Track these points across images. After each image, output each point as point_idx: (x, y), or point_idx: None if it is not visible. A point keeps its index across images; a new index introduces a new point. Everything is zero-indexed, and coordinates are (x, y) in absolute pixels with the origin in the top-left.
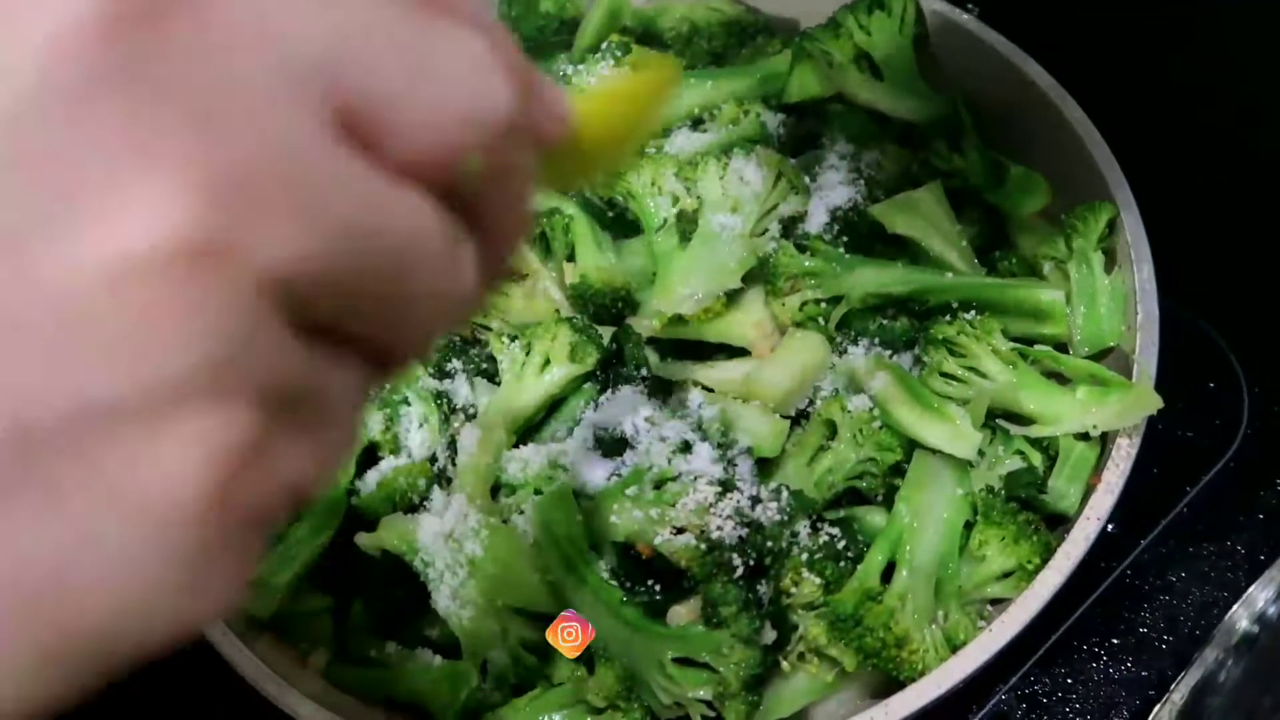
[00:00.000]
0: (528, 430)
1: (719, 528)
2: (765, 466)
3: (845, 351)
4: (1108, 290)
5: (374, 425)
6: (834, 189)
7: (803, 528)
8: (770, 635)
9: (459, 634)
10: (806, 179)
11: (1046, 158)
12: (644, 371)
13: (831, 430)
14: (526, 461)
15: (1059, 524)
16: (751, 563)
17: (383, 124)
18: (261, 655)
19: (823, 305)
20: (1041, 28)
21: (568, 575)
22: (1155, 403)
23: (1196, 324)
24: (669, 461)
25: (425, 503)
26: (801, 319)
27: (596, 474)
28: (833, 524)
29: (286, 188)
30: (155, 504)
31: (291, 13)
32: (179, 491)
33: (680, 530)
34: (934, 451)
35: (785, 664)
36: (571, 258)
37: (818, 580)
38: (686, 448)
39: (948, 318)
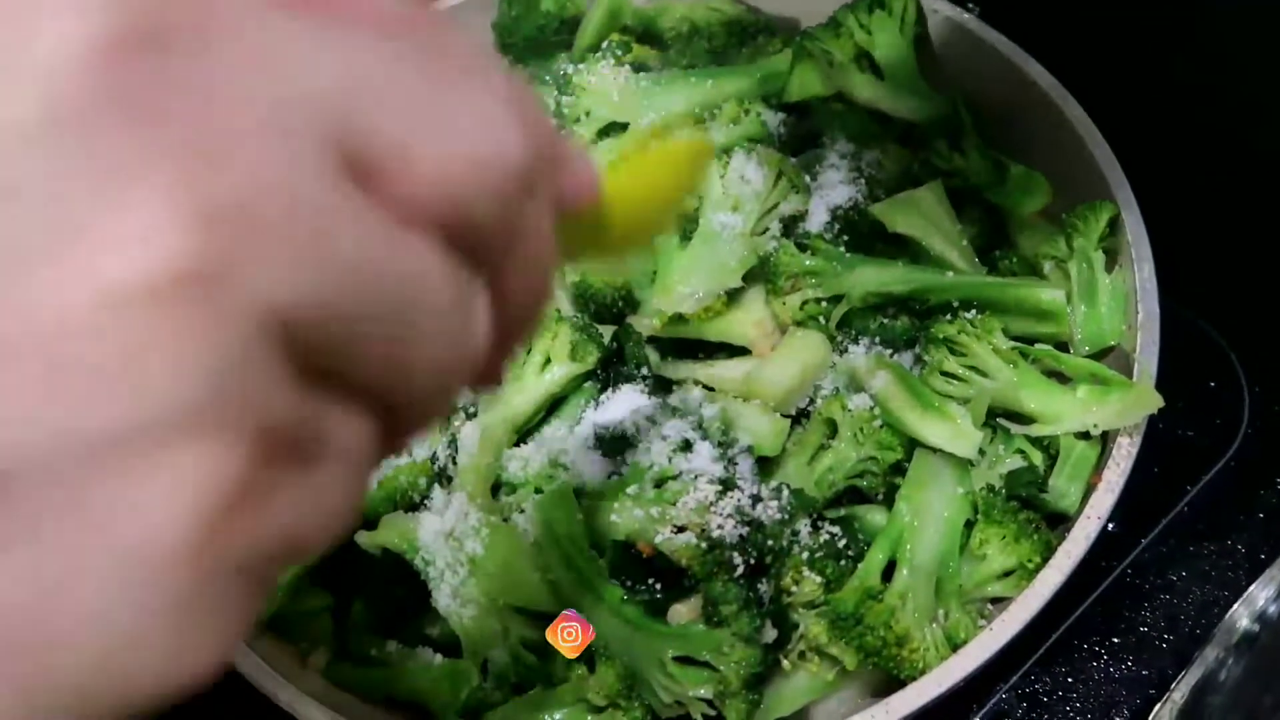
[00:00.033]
0: (528, 429)
1: (719, 526)
2: (766, 465)
3: (846, 350)
4: (1108, 289)
5: None
6: (835, 188)
7: (803, 526)
8: (771, 634)
9: (459, 632)
10: (807, 178)
11: (1047, 157)
12: (644, 370)
13: (832, 429)
14: (527, 460)
15: (1059, 523)
16: (752, 561)
17: (389, 168)
18: (262, 654)
19: (823, 304)
20: (1042, 27)
21: (568, 574)
22: (1156, 402)
23: (1197, 323)
24: (669, 460)
25: (426, 501)
26: (802, 318)
27: (597, 472)
28: (833, 523)
29: (286, 221)
30: (139, 547)
31: (301, 48)
32: (165, 534)
33: (681, 529)
34: (935, 450)
35: (786, 663)
36: None
37: (818, 579)
38: (687, 446)
39: (948, 317)
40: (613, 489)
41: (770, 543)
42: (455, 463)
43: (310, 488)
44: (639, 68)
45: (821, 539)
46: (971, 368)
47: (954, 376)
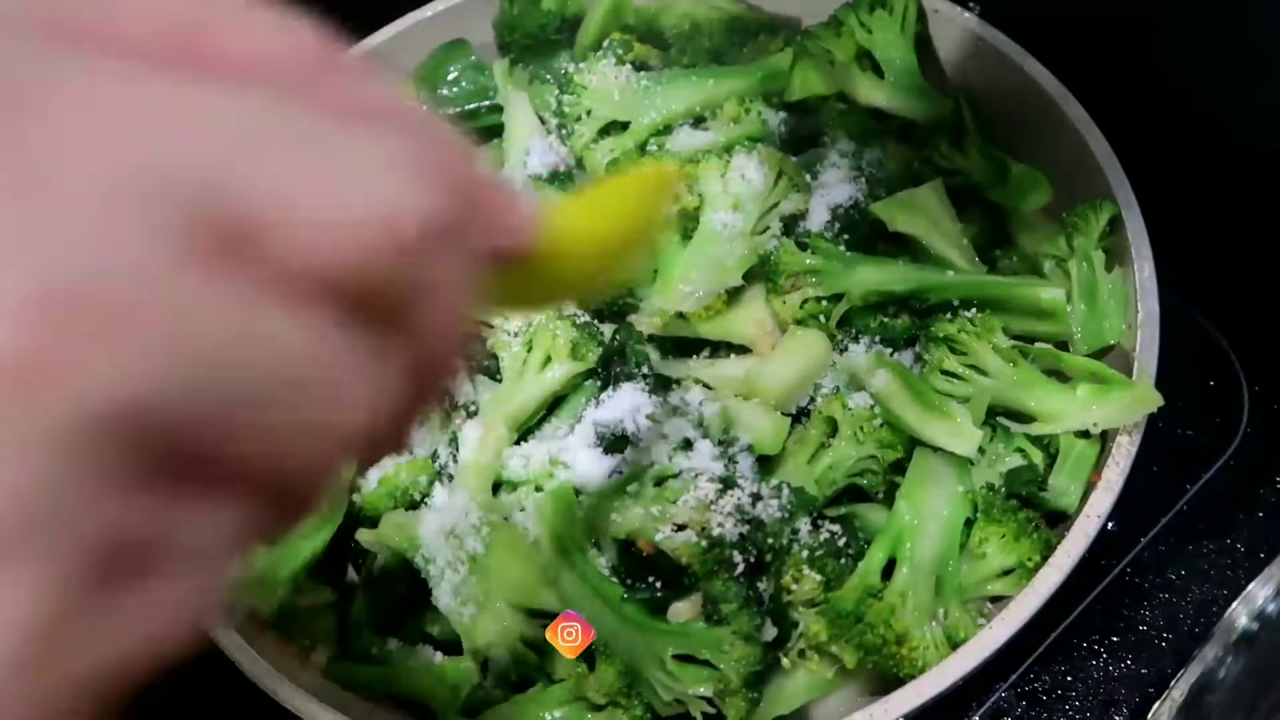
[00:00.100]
0: (529, 427)
1: (720, 525)
2: (766, 464)
3: (846, 349)
4: (1108, 288)
5: None
6: (835, 187)
7: (803, 525)
8: (771, 632)
9: (460, 631)
10: (808, 177)
11: (1047, 156)
12: (645, 369)
13: (832, 428)
14: (528, 458)
15: (1059, 521)
16: (752, 560)
17: (266, 236)
18: (263, 652)
19: (824, 303)
20: (1043, 26)
21: (569, 572)
22: (1155, 401)
23: (1197, 322)
24: (670, 459)
25: (426, 500)
26: (802, 316)
27: (597, 471)
28: (833, 521)
29: (132, 306)
30: None
31: (165, 105)
32: None
33: (681, 527)
34: (935, 449)
35: (785, 661)
36: None
37: (818, 577)
38: (687, 445)
39: (949, 315)
40: (613, 487)
41: (770, 541)
42: (456, 461)
43: (157, 597)
44: (640, 66)
45: (821, 537)
46: (971, 366)
47: (954, 375)
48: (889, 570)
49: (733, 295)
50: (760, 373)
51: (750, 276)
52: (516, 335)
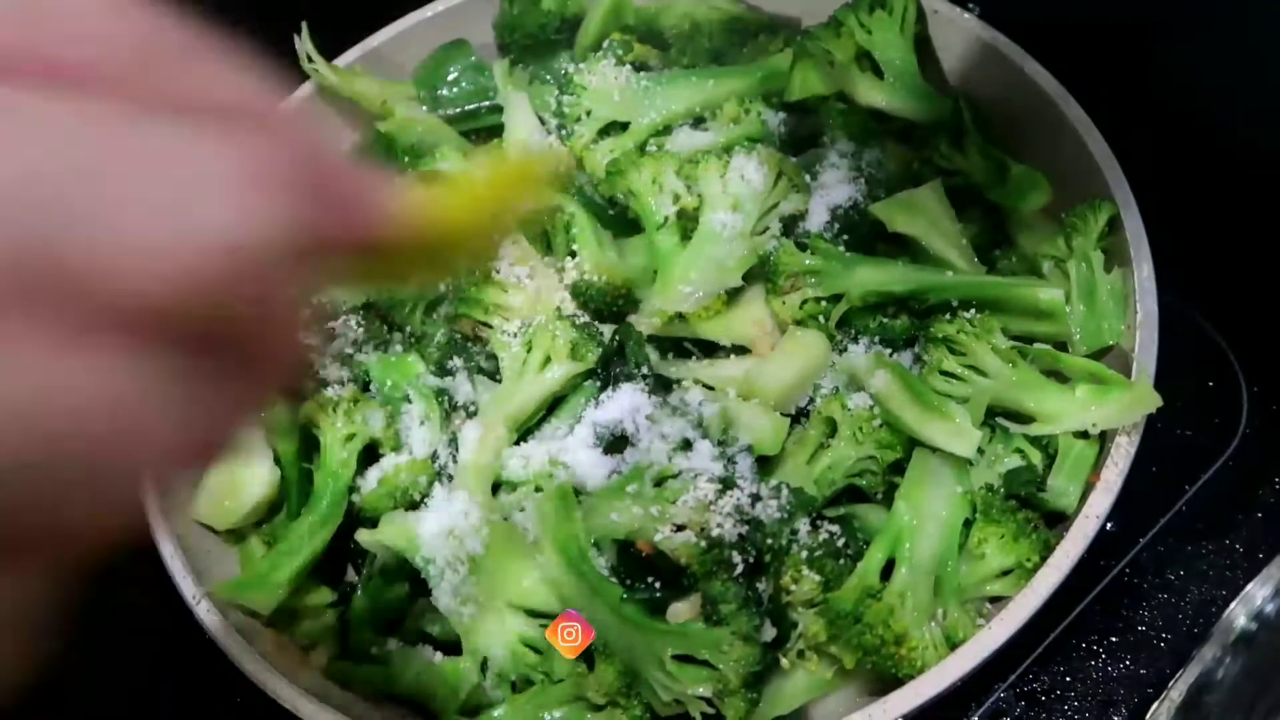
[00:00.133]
0: (528, 427)
1: (719, 525)
2: (765, 464)
3: (845, 349)
4: (1107, 289)
5: (375, 422)
6: (835, 187)
7: (802, 525)
8: (770, 633)
9: (459, 631)
10: (807, 177)
11: (1047, 156)
12: (644, 369)
13: (831, 428)
14: (527, 459)
15: (1058, 522)
16: (751, 560)
17: (85, 271)
18: (263, 651)
19: (823, 303)
20: (1042, 27)
21: (568, 572)
22: (1154, 401)
23: (1196, 323)
24: (669, 459)
25: (426, 500)
26: (802, 317)
27: (597, 471)
28: (832, 521)
29: None
30: None
31: None
32: None
33: (680, 528)
34: (934, 449)
35: (785, 661)
36: (573, 255)
37: (817, 578)
38: (687, 445)
39: (948, 316)
40: (612, 488)
41: (769, 541)
42: (455, 461)
43: None
44: (640, 67)
45: (821, 538)
46: (971, 367)
47: (953, 376)
48: (888, 571)
49: (732, 296)
50: (760, 373)
51: (750, 277)
52: (516, 336)
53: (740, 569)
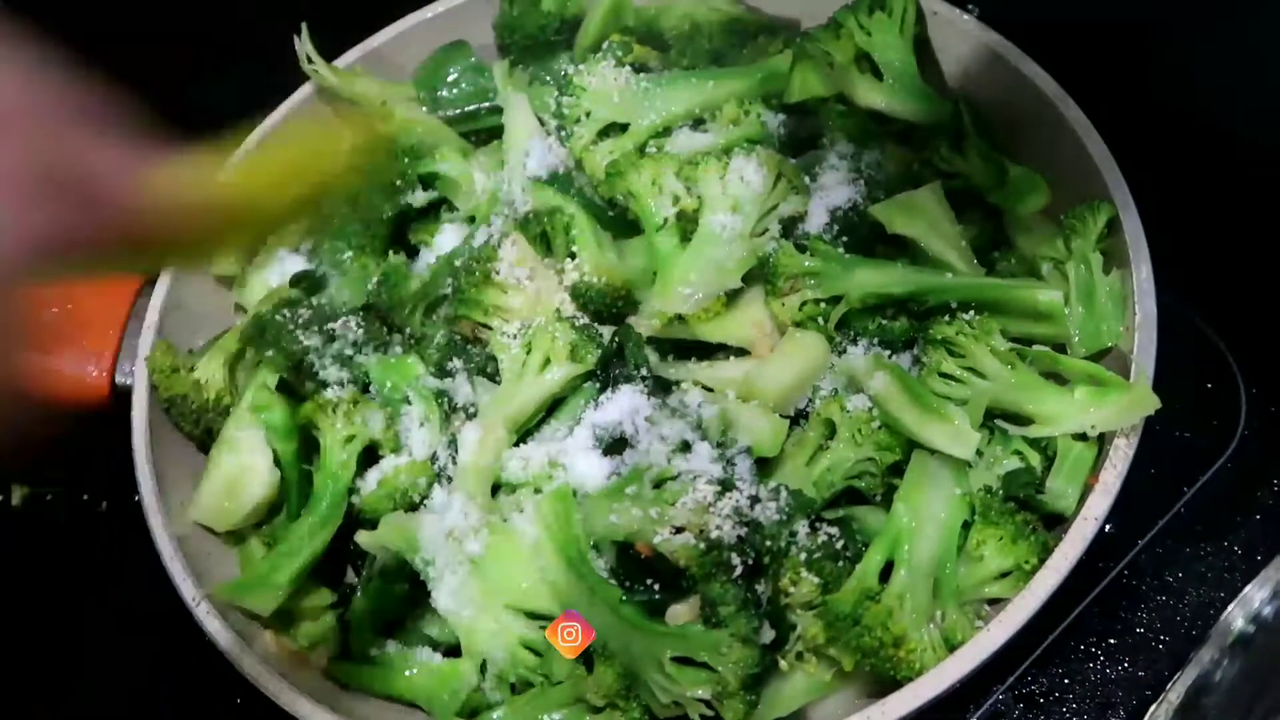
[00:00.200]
0: (528, 429)
1: (718, 527)
2: (764, 466)
3: (844, 351)
4: (1106, 291)
5: (375, 424)
6: (834, 189)
7: (801, 527)
8: (768, 635)
9: (459, 632)
10: (807, 179)
11: (1046, 158)
12: (644, 371)
13: (830, 430)
14: (527, 460)
15: (1057, 524)
16: (750, 562)
17: None
18: (263, 653)
19: (822, 305)
20: (1042, 28)
21: (567, 574)
22: (1153, 403)
23: (1195, 325)
24: (668, 461)
25: (426, 501)
26: (801, 319)
27: (596, 473)
28: (831, 523)
29: None
30: None
31: None
32: None
33: (679, 529)
34: (933, 451)
35: (783, 663)
36: (572, 257)
37: (816, 580)
38: (686, 447)
39: (947, 318)
40: (612, 489)
41: (768, 543)
42: (455, 463)
43: None
44: (640, 68)
45: (819, 540)
46: (969, 369)
47: (952, 377)
48: (887, 573)
49: (732, 297)
50: (759, 375)
51: (749, 278)
52: (516, 337)
53: (739, 571)
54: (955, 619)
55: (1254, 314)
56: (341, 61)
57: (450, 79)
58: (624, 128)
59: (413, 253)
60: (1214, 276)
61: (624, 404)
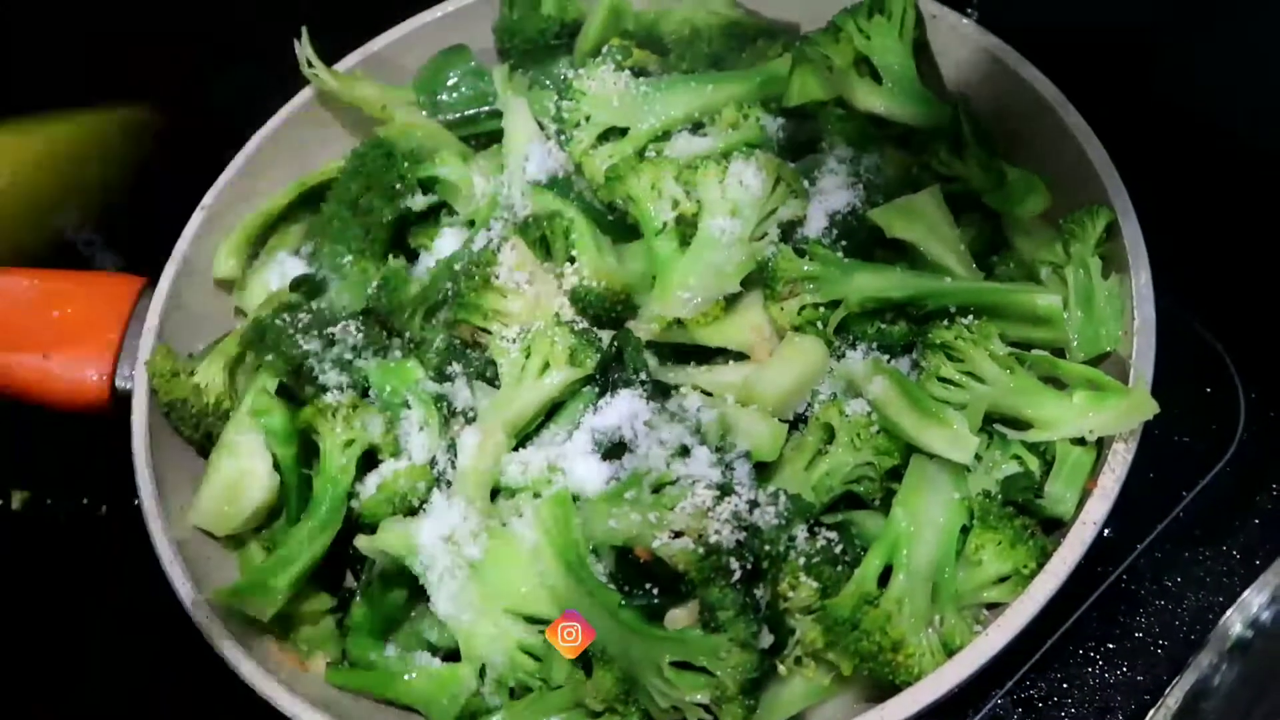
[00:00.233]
0: (527, 433)
1: (717, 531)
2: (763, 470)
3: (843, 355)
4: (1105, 295)
5: (374, 428)
6: (833, 193)
7: (800, 532)
8: (767, 639)
9: (458, 637)
10: (805, 183)
11: (1045, 162)
12: (643, 375)
13: (829, 434)
14: (526, 464)
15: (1055, 528)
16: (749, 566)
17: None
18: (261, 658)
19: (821, 309)
20: (1041, 32)
21: (566, 578)
22: (1151, 408)
23: (1194, 328)
24: (667, 465)
25: (425, 506)
26: (800, 323)
27: (595, 477)
28: (830, 528)
29: None
30: None
31: None
32: None
33: (678, 534)
34: (931, 456)
35: (782, 668)
36: (572, 261)
37: (815, 584)
38: (685, 451)
39: (945, 322)
40: (611, 494)
41: (767, 548)
42: (454, 467)
43: None
44: (639, 72)
45: (818, 544)
46: (968, 373)
47: (951, 382)
48: (885, 577)
49: (731, 301)
50: (758, 379)
51: (748, 283)
52: (515, 341)
53: (738, 575)
54: (954, 623)
55: (1253, 318)
56: (342, 65)
57: (450, 83)
58: (623, 132)
59: (412, 257)
60: (1213, 280)
61: (623, 408)
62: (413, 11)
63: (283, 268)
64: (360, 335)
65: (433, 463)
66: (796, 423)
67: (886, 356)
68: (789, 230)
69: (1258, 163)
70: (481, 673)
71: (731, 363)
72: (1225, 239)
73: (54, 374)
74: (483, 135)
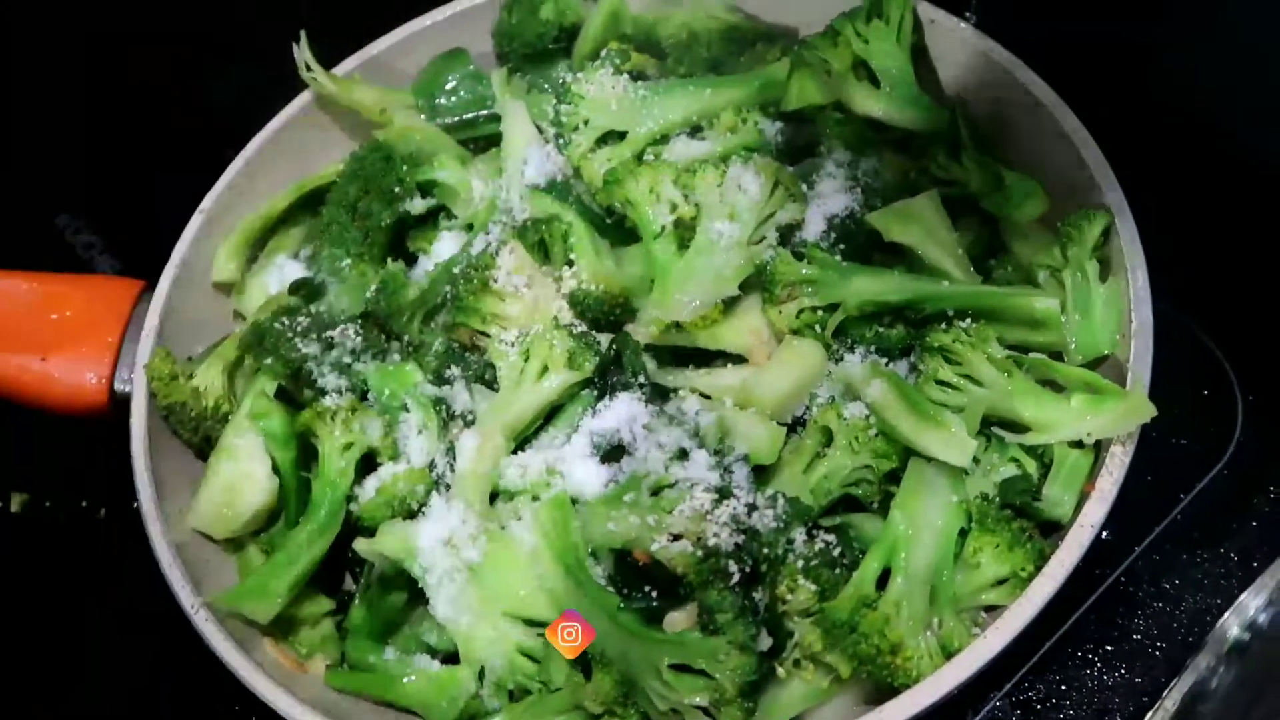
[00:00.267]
0: (526, 436)
1: (715, 534)
2: (761, 473)
3: (841, 359)
4: (1102, 298)
5: (373, 431)
6: (831, 197)
7: (798, 535)
8: (766, 642)
9: (457, 640)
10: (804, 186)
11: (1043, 165)
12: (641, 378)
13: (827, 437)
14: (525, 468)
15: (1053, 531)
16: (747, 570)
17: None
18: (260, 660)
19: (819, 313)
20: (1038, 36)
21: (565, 581)
22: (1149, 411)
23: (1191, 331)
24: (666, 468)
25: (424, 509)
26: (798, 326)
27: (594, 480)
28: (828, 531)
29: None
30: None
31: None
32: None
33: (677, 537)
34: (929, 459)
35: (781, 670)
36: (570, 264)
37: (813, 587)
38: (683, 455)
39: (944, 325)
40: (609, 497)
41: (766, 551)
42: (453, 470)
43: None
44: (638, 76)
45: (816, 547)
46: (966, 376)
47: (949, 385)
48: (884, 580)
49: (729, 305)
50: (756, 382)
51: (746, 286)
52: (514, 345)
53: (736, 578)
54: (952, 626)
55: (1251, 321)
56: (340, 69)
57: (449, 86)
58: (622, 135)
59: (411, 260)
60: (1210, 283)
61: (622, 411)
62: (411, 15)
63: (281, 271)
64: (359, 338)
65: (431, 466)
66: (795, 426)
67: (885, 360)
68: (787, 234)
69: (1255, 165)
70: (480, 675)
71: (730, 366)
72: (1223, 242)
73: (53, 377)
74: (481, 139)
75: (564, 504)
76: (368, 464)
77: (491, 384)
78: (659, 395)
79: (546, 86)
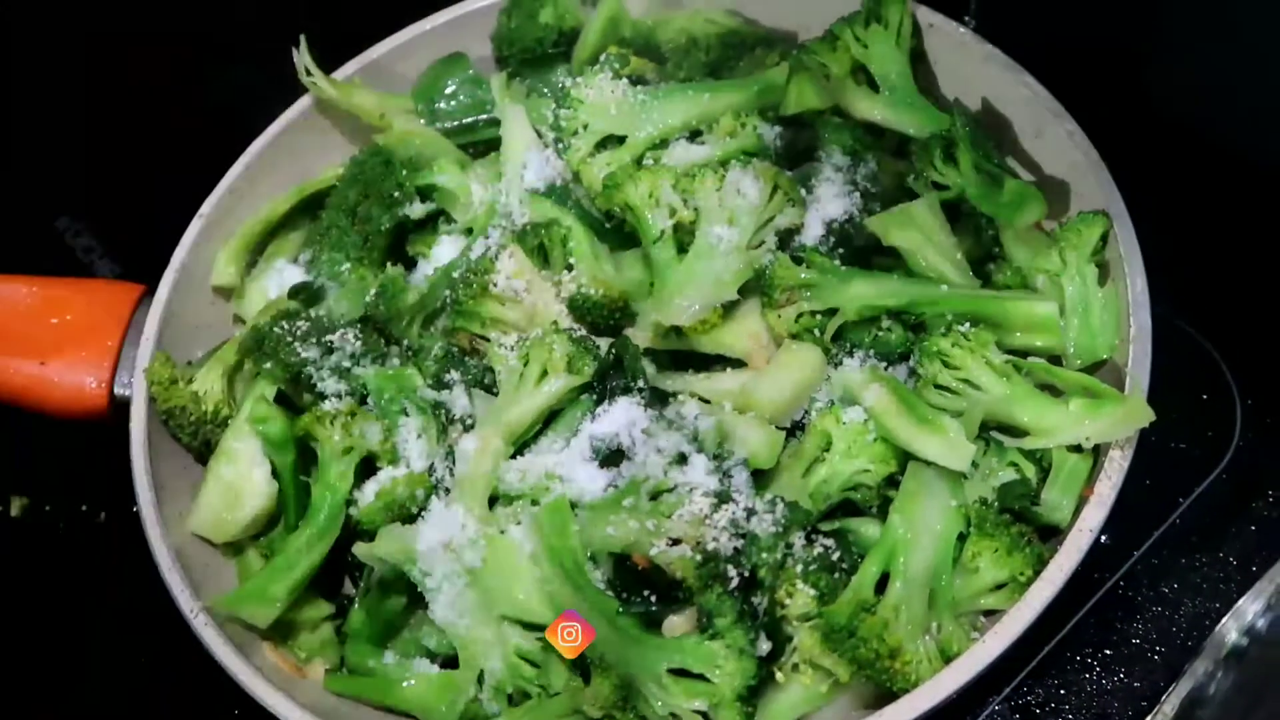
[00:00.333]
0: (525, 441)
1: (714, 539)
2: (760, 478)
3: (840, 363)
4: (1101, 303)
5: (372, 436)
6: (830, 201)
7: (797, 539)
8: (765, 646)
9: (456, 644)
10: (803, 191)
11: (1041, 170)
12: (641, 382)
13: (826, 442)
14: (524, 472)
15: (1052, 535)
16: (746, 574)
17: None
18: (260, 665)
19: (818, 317)
20: (1038, 40)
21: (564, 585)
22: (1148, 415)
23: (1190, 336)
24: (665, 473)
25: (423, 513)
26: (797, 330)
27: (593, 485)
28: (827, 535)
29: None
30: None
31: None
32: None
33: (676, 541)
34: (928, 463)
35: (779, 675)
36: (570, 269)
37: (812, 591)
38: (683, 459)
39: (942, 330)
40: (609, 501)
41: (764, 555)
42: (453, 474)
43: None
44: (637, 80)
45: (815, 552)
46: (965, 381)
47: (948, 389)
48: (883, 584)
49: (728, 309)
50: (755, 386)
51: (745, 290)
52: (513, 349)
53: (735, 583)
54: (951, 630)
55: (1249, 325)
56: (340, 73)
57: (448, 91)
58: (621, 140)
59: (410, 264)
60: (1209, 287)
61: (621, 416)
62: (411, 19)
63: (281, 275)
64: (358, 343)
65: (431, 470)
66: (794, 430)
67: (883, 364)
68: (786, 238)
69: (1254, 169)
70: (480, 679)
71: (729, 370)
72: (1221, 246)
73: (52, 381)
74: (481, 143)
75: (563, 508)
76: (367, 468)
77: (491, 388)
78: (658, 399)
79: (546, 91)
